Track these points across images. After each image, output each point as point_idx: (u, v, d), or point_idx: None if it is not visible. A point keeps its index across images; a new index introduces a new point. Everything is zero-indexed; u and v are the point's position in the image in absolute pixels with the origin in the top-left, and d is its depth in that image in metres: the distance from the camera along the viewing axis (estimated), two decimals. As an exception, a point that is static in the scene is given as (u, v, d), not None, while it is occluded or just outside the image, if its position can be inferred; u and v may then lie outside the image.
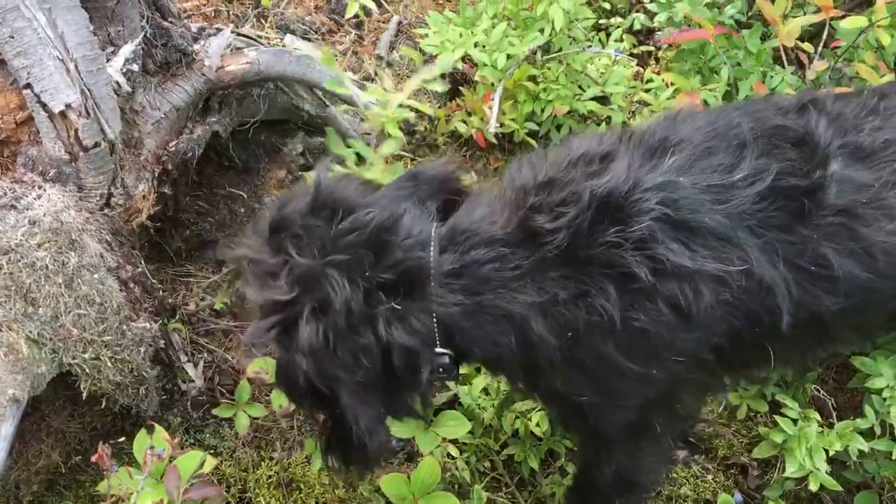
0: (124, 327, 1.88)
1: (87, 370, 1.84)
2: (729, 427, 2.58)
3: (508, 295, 1.57)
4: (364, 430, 1.58)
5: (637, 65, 3.27)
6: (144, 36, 2.17)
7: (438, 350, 1.62)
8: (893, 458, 2.14)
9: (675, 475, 2.48)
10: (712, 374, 1.86)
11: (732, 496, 2.32)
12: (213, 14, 3.05)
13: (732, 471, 2.52)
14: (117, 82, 2.02)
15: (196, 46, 2.32)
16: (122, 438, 2.03)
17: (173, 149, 2.22)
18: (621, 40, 3.15)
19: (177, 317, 2.39)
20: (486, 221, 1.65)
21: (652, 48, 3.38)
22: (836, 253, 1.66)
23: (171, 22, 2.27)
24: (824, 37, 2.76)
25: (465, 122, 2.99)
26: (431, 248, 1.59)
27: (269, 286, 1.56)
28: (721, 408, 2.58)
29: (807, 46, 2.68)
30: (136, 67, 2.08)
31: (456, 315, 1.57)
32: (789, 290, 1.64)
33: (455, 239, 1.63)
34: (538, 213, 1.60)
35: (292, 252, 1.54)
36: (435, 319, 1.57)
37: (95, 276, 1.83)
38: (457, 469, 2.36)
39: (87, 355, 1.82)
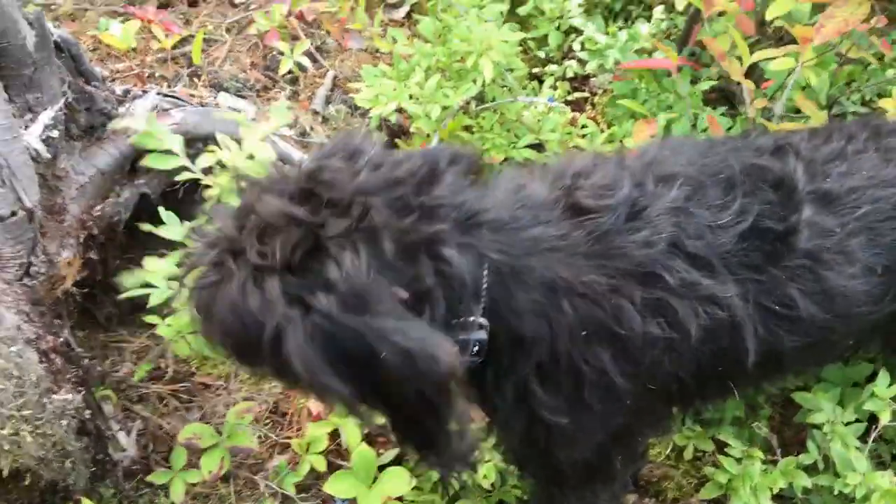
0: (45, 400, 1.82)
1: (7, 446, 1.77)
2: (677, 468, 2.56)
3: (553, 263, 1.49)
4: (420, 345, 1.24)
5: (573, 110, 3.31)
6: (66, 101, 2.14)
7: (478, 319, 1.41)
8: (835, 493, 2.14)
9: (625, 521, 2.46)
10: (670, 406, 1.89)
11: (684, 539, 2.31)
12: (145, 75, 3.04)
13: (683, 513, 2.50)
14: (36, 149, 1.99)
15: (121, 109, 2.30)
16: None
17: (99, 213, 2.19)
18: (555, 88, 3.20)
19: (106, 384, 2.33)
20: (528, 189, 1.60)
21: (587, 94, 3.44)
22: (800, 294, 1.70)
23: (94, 86, 2.25)
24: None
25: (402, 173, 2.98)
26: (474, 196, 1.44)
27: (286, 200, 1.30)
28: (668, 449, 2.58)
29: (749, 84, 2.75)
30: (56, 133, 2.05)
31: (507, 268, 1.43)
32: (756, 330, 1.68)
33: (504, 197, 1.54)
34: (580, 191, 1.60)
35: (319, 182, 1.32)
36: (487, 271, 1.40)
37: (13, 349, 1.77)
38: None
39: (5, 431, 1.75)
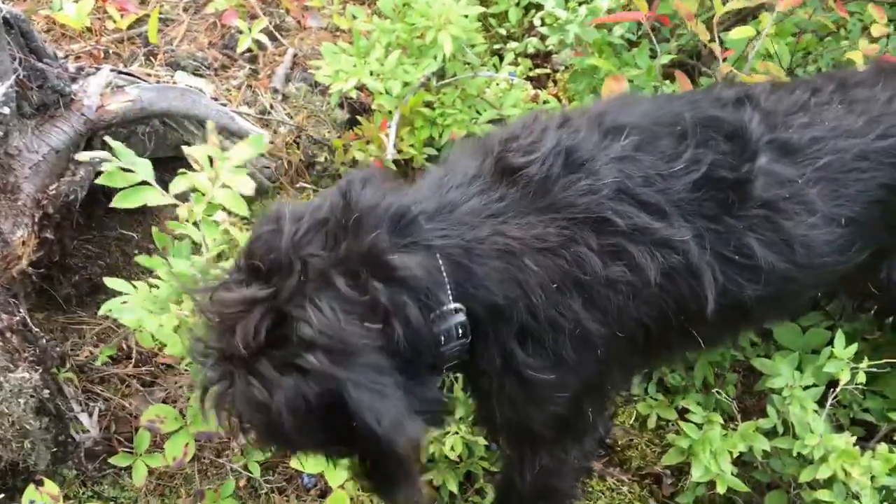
0: (1, 378, 1.80)
1: (-37, 427, 1.75)
2: (641, 437, 2.60)
3: (500, 227, 1.55)
4: (388, 430, 1.35)
5: (534, 87, 3.32)
6: (17, 78, 2.10)
7: (451, 306, 1.50)
8: (794, 455, 2.18)
9: (591, 488, 2.48)
10: (637, 356, 1.90)
11: (648, 506, 2.34)
12: (101, 55, 2.99)
13: (647, 480, 2.54)
14: (-14, 126, 1.96)
15: (74, 87, 2.26)
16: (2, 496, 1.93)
17: (54, 192, 2.16)
18: (517, 64, 3.20)
19: (67, 365, 2.30)
20: (459, 168, 1.66)
21: (549, 71, 3.45)
22: (758, 243, 1.74)
23: (46, 63, 2.21)
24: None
25: (363, 150, 2.98)
26: (405, 196, 1.55)
27: (239, 289, 1.41)
28: (632, 418, 2.61)
29: (715, 47, 2.76)
30: (7, 111, 2.02)
31: (457, 249, 1.51)
32: (715, 278, 1.71)
33: (430, 187, 1.61)
34: (509, 153, 1.65)
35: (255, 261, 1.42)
36: (440, 258, 1.49)
37: (-34, 327, 1.75)
38: (371, 501, 2.32)
39: (-39, 411, 1.73)
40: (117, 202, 1.78)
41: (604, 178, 1.61)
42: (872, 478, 2.08)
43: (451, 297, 1.49)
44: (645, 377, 2.62)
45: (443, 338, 1.50)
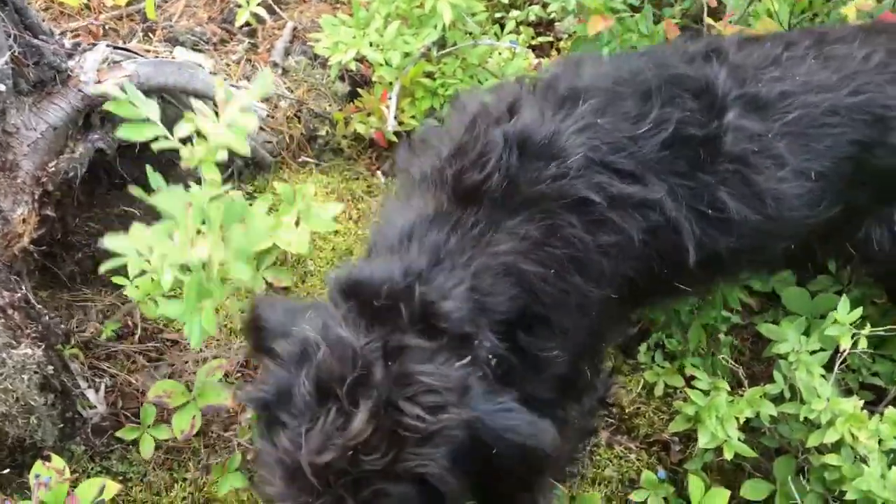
0: (4, 355, 1.80)
1: (-32, 403, 1.76)
2: (648, 405, 2.59)
3: (489, 250, 1.57)
4: (530, 438, 1.41)
5: (537, 56, 3.28)
6: (13, 55, 2.09)
7: (487, 331, 1.54)
8: (801, 420, 2.17)
9: (598, 457, 2.48)
10: (626, 308, 1.98)
11: (656, 473, 2.33)
12: (100, 31, 2.98)
13: (655, 448, 2.53)
14: (-18, 104, 1.95)
15: (71, 63, 2.25)
16: (7, 471, 1.95)
17: (53, 169, 2.15)
18: (518, 32, 3.17)
19: (72, 342, 2.30)
20: (416, 213, 1.64)
21: (552, 39, 3.41)
22: (730, 197, 1.75)
23: (42, 39, 2.20)
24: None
25: (364, 122, 2.96)
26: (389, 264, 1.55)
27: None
28: (640, 387, 2.60)
29: (710, 20, 2.73)
30: (3, 88, 2.01)
31: (470, 292, 1.52)
32: (693, 231, 1.73)
33: (404, 241, 1.59)
34: (464, 173, 1.63)
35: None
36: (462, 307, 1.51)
37: (-33, 304, 1.76)
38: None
39: (-35, 387, 1.74)
40: (124, 132, 1.69)
41: (570, 157, 1.61)
42: (880, 441, 2.07)
43: (485, 327, 1.54)
44: (651, 347, 2.62)
45: (490, 355, 1.54)
